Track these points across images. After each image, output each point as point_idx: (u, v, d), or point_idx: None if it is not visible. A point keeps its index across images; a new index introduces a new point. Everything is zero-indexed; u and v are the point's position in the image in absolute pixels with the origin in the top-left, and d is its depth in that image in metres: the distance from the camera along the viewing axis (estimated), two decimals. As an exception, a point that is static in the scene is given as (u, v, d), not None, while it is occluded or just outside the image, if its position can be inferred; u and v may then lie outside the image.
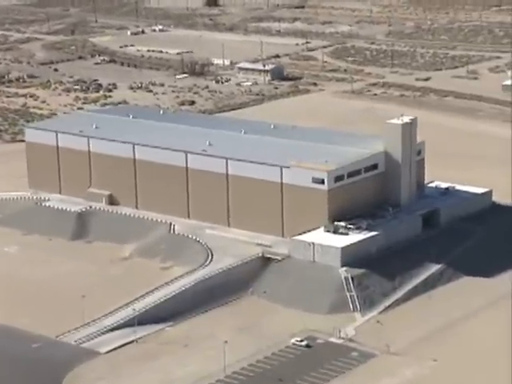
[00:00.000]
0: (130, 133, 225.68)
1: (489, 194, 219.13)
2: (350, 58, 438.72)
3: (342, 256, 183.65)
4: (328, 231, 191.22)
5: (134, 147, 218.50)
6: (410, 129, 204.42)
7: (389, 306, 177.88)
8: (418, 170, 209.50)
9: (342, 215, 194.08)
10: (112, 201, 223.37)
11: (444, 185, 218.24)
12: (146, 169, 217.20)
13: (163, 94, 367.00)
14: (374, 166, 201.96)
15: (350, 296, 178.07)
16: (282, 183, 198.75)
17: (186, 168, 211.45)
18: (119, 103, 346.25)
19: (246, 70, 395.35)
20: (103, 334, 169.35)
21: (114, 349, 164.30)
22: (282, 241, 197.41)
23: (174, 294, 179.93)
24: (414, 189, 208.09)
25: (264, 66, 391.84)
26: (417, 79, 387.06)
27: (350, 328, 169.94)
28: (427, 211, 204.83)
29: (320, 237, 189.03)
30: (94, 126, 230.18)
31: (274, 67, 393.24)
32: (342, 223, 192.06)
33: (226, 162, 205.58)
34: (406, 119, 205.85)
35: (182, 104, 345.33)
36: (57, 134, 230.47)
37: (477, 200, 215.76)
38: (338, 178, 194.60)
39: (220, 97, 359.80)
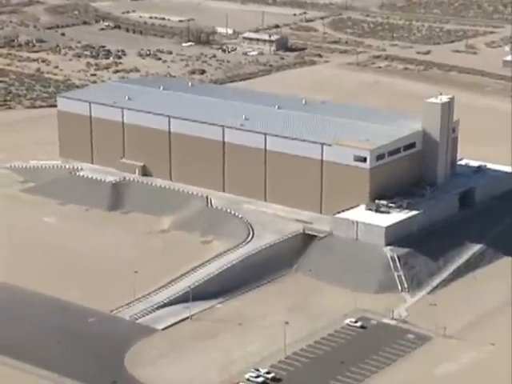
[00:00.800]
0: (164, 105, 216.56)
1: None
2: (349, 30, 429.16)
3: (386, 235, 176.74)
4: (370, 209, 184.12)
5: (169, 120, 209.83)
6: (448, 108, 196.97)
7: (436, 287, 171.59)
8: (453, 149, 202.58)
9: (382, 194, 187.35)
10: (145, 172, 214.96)
11: (475, 163, 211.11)
12: (182, 142, 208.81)
13: (172, 61, 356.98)
14: (412, 145, 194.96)
15: (398, 276, 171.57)
16: (322, 160, 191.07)
17: (223, 142, 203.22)
18: (131, 70, 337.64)
19: (251, 39, 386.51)
20: (156, 309, 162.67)
21: (170, 326, 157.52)
22: (320, 217, 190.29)
23: (221, 270, 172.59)
24: (449, 167, 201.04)
25: (270, 36, 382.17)
26: (418, 52, 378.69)
27: (402, 309, 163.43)
28: (463, 190, 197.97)
29: (363, 215, 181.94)
30: (126, 97, 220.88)
31: (279, 38, 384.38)
32: (384, 201, 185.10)
33: (264, 137, 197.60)
34: (445, 98, 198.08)
35: (193, 73, 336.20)
36: (90, 104, 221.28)
37: (508, 178, 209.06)
38: (380, 157, 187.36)
39: (229, 66, 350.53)
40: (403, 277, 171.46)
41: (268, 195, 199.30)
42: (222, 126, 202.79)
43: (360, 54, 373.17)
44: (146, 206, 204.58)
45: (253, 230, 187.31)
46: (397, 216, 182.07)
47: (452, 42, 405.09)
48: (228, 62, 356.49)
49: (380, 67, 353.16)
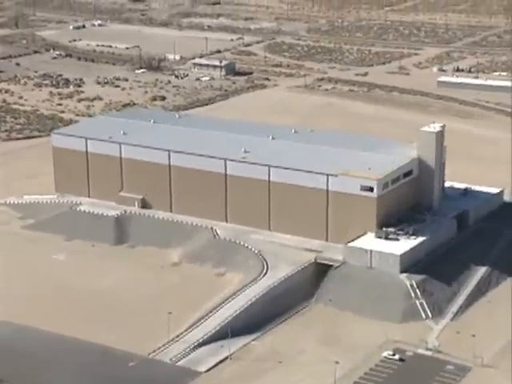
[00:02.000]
0: (161, 139, 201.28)
1: (501, 193, 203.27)
2: (286, 54, 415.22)
3: (400, 262, 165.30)
4: (380, 237, 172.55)
5: (169, 154, 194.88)
6: (441, 136, 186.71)
7: (456, 313, 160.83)
8: (443, 173, 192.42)
9: (387, 221, 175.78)
10: (144, 204, 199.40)
11: (459, 185, 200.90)
12: (182, 175, 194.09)
13: (131, 88, 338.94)
14: (410, 172, 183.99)
15: (420, 303, 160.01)
16: (327, 191, 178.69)
17: (225, 174, 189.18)
18: (94, 99, 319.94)
19: (201, 65, 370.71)
20: (193, 350, 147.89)
21: (212, 367, 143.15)
22: (328, 245, 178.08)
23: (248, 305, 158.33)
24: (441, 191, 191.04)
25: (220, 62, 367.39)
26: (356, 74, 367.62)
27: (432, 338, 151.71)
28: (458, 213, 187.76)
29: (374, 243, 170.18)
30: (121, 132, 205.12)
31: (228, 63, 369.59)
32: (392, 229, 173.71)
33: (268, 169, 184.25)
34: (437, 127, 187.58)
35: (154, 99, 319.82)
36: (87, 140, 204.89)
37: (493, 199, 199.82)
38: (385, 186, 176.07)
39: (186, 92, 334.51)
40: (425, 304, 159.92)
41: (272, 225, 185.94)
42: (224, 158, 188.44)
43: (305, 76, 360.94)
44: (151, 238, 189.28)
45: (266, 261, 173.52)
46: (407, 243, 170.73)
47: (383, 63, 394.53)
48: (184, 87, 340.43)
49: (327, 89, 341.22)
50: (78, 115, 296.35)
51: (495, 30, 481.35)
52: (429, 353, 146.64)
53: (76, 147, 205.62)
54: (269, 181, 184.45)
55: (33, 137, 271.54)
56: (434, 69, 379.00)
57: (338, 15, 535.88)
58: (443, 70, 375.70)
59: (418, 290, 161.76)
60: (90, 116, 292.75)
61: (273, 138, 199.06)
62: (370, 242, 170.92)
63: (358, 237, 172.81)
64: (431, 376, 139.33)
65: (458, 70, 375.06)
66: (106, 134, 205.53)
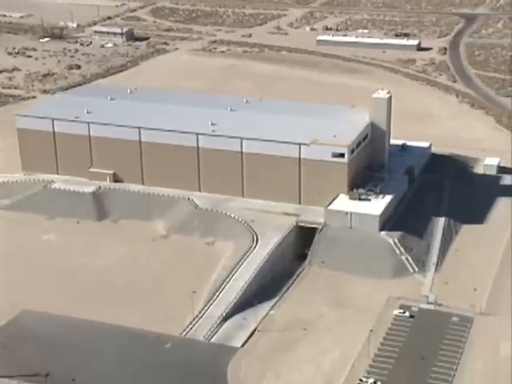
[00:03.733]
0: (125, 115, 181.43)
1: (430, 146, 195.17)
2: (171, 18, 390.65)
3: (379, 222, 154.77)
4: (353, 199, 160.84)
5: (139, 131, 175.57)
6: (390, 101, 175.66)
7: (437, 264, 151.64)
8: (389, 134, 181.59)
9: (354, 183, 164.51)
10: (116, 179, 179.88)
11: (397, 141, 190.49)
12: (153, 149, 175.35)
13: (43, 58, 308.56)
14: (366, 136, 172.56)
15: (406, 259, 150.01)
16: (299, 158, 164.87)
17: (197, 147, 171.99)
18: (13, 70, 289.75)
19: (102, 32, 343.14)
20: (220, 325, 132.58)
21: (245, 342, 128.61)
22: (301, 208, 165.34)
23: (255, 274, 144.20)
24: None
25: (122, 29, 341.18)
26: (242, 36, 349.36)
27: (427, 291, 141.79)
28: (406, 169, 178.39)
29: (351, 205, 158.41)
30: (85, 111, 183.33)
31: (128, 29, 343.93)
32: (362, 190, 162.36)
33: (240, 141, 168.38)
34: (386, 93, 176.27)
35: (71, 68, 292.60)
36: (53, 121, 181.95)
37: (426, 153, 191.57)
38: (352, 151, 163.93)
39: (96, 59, 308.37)
40: (410, 259, 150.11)
41: (246, 192, 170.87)
42: (196, 133, 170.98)
43: (202, 40, 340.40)
44: (131, 212, 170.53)
45: (252, 229, 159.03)
46: (379, 202, 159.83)
47: (260, 24, 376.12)
48: (93, 55, 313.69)
49: (223, 51, 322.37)
50: (4, 88, 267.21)
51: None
52: (431, 307, 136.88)
53: (42, 128, 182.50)
54: (241, 152, 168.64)
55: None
56: (307, 28, 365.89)
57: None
58: (314, 29, 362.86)
59: (400, 246, 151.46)
60: (15, 88, 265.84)
61: (231, 110, 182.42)
62: (346, 204, 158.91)
63: (333, 199, 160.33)
64: (443, 329, 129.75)
65: (327, 28, 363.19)
66: (69, 113, 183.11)
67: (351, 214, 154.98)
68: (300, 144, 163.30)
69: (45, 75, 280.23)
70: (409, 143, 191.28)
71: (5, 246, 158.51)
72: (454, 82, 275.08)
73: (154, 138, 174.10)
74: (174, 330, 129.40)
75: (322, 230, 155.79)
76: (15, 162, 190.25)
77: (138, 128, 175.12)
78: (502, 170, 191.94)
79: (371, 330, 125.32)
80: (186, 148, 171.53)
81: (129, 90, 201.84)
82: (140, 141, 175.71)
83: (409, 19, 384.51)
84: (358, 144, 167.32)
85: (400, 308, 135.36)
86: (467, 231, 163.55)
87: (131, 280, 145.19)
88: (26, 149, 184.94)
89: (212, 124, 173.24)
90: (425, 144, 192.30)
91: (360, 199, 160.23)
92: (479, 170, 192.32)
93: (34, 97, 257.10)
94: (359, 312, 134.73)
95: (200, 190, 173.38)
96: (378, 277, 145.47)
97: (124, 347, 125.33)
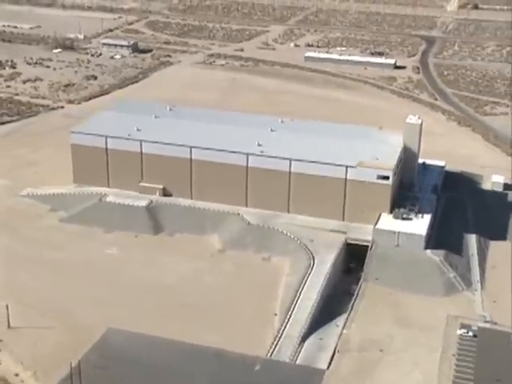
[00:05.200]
0: (174, 134, 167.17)
1: (445, 165, 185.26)
2: (166, 31, 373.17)
3: (425, 241, 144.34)
4: (397, 218, 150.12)
5: (191, 149, 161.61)
6: (421, 126, 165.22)
7: (481, 282, 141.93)
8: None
9: (394, 202, 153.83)
10: (165, 193, 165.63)
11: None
12: (203, 166, 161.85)
13: (60, 68, 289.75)
14: (402, 158, 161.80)
15: (454, 277, 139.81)
16: (345, 179, 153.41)
17: (247, 166, 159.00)
18: (35, 80, 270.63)
19: (109, 45, 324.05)
20: (301, 346, 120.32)
21: (330, 363, 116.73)
22: (344, 225, 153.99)
23: (321, 292, 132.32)
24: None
25: (129, 42, 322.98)
26: (235, 50, 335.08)
27: (481, 310, 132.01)
28: (432, 187, 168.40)
29: (396, 224, 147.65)
30: (135, 129, 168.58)
31: (133, 42, 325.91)
32: (404, 209, 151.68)
33: (289, 162, 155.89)
34: (417, 119, 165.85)
35: (88, 79, 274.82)
36: (106, 138, 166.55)
37: (443, 171, 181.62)
38: (394, 173, 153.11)
39: (110, 70, 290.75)
40: (458, 277, 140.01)
41: (291, 208, 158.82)
42: (246, 153, 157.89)
43: (197, 53, 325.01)
44: (185, 225, 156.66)
45: (305, 245, 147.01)
46: (420, 221, 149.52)
47: (248, 40, 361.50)
48: (106, 66, 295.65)
49: (223, 65, 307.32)
50: (32, 97, 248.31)
51: (308, 10, 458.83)
52: (489, 325, 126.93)
53: (96, 144, 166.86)
54: (289, 172, 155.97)
55: (6, 122, 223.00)
56: (291, 44, 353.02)
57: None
58: (298, 45, 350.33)
59: (446, 264, 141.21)
60: (43, 98, 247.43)
61: (271, 130, 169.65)
62: (391, 223, 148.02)
63: (378, 218, 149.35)
64: (507, 349, 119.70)
65: (309, 45, 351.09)
66: (120, 131, 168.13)
67: (399, 233, 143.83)
68: (347, 166, 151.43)
69: (66, 85, 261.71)
70: (427, 161, 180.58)
71: (70, 259, 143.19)
72: (435, 99, 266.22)
73: (204, 156, 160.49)
74: (257, 351, 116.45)
75: (371, 247, 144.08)
76: (58, 174, 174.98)
77: (190, 147, 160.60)
78: (507, 186, 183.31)
79: (453, 355, 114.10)
80: (236, 166, 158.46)
81: (168, 108, 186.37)
82: (191, 158, 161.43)
83: (377, 39, 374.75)
84: (397, 166, 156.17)
85: (461, 327, 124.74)
86: (495, 248, 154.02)
87: (201, 297, 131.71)
88: (79, 163, 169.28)
89: (258, 145, 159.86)
90: (441, 162, 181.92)
91: (403, 218, 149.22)
92: (487, 186, 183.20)
93: (62, 107, 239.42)
94: (425, 332, 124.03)
95: (247, 206, 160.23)
96: (430, 294, 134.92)
97: (216, 370, 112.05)
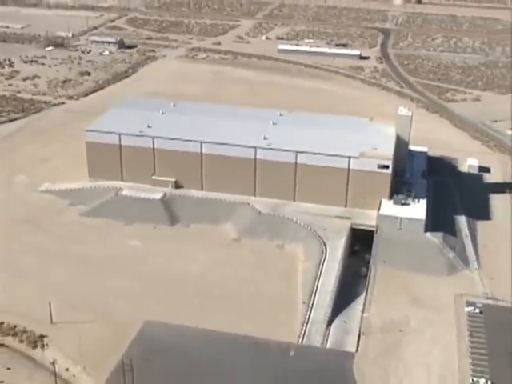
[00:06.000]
0: (183, 129, 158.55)
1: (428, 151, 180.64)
2: (146, 27, 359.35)
3: (424, 224, 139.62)
4: (396, 204, 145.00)
5: (201, 144, 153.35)
6: (411, 117, 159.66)
7: (477, 261, 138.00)
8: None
9: (393, 189, 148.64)
10: (177, 185, 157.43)
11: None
12: (213, 160, 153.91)
13: (55, 66, 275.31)
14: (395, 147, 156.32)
15: (454, 257, 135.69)
16: (348, 169, 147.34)
17: (255, 159, 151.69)
18: (34, 77, 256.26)
19: (97, 42, 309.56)
20: (328, 330, 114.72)
21: (357, 347, 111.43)
22: (348, 211, 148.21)
23: (338, 276, 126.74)
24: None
25: (116, 38, 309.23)
26: (213, 44, 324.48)
27: (482, 287, 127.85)
28: (421, 173, 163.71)
29: (397, 210, 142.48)
30: (146, 125, 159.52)
31: (120, 39, 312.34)
32: (403, 195, 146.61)
33: (295, 154, 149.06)
34: (407, 111, 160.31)
35: (83, 75, 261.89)
36: (120, 136, 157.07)
37: (426, 156, 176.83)
38: (392, 162, 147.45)
39: (101, 66, 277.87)
40: (457, 257, 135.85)
41: (297, 196, 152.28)
42: (254, 147, 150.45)
43: (178, 47, 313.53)
44: (199, 216, 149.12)
45: (315, 231, 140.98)
46: (418, 206, 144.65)
47: (222, 34, 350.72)
48: (96, 62, 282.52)
49: (204, 58, 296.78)
50: (33, 94, 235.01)
51: (272, 4, 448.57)
52: (492, 302, 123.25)
53: (110, 141, 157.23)
54: (295, 163, 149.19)
55: (14, 119, 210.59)
56: (263, 37, 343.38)
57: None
58: (269, 38, 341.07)
59: (445, 246, 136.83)
60: (43, 94, 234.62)
61: (273, 124, 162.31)
62: (393, 208, 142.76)
63: (380, 204, 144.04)
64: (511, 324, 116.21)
65: (279, 38, 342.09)
66: (132, 127, 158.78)
67: (401, 218, 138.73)
68: (350, 157, 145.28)
69: (64, 81, 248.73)
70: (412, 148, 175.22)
71: (97, 253, 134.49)
72: (402, 87, 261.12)
73: (214, 150, 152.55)
74: (288, 337, 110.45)
75: (377, 232, 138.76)
76: (70, 168, 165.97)
77: (200, 142, 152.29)
78: (481, 169, 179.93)
79: (470, 339, 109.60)
80: (244, 159, 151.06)
81: (172, 104, 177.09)
82: (201, 153, 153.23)
83: (338, 31, 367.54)
84: (393, 155, 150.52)
85: (467, 305, 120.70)
86: (482, 227, 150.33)
87: (227, 286, 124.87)
88: (94, 159, 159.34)
89: (264, 138, 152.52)
90: (424, 148, 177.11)
91: (402, 204, 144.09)
92: (464, 169, 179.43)
93: (63, 102, 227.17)
94: (437, 311, 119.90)
95: (255, 195, 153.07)
96: (434, 274, 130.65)
97: (255, 358, 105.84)
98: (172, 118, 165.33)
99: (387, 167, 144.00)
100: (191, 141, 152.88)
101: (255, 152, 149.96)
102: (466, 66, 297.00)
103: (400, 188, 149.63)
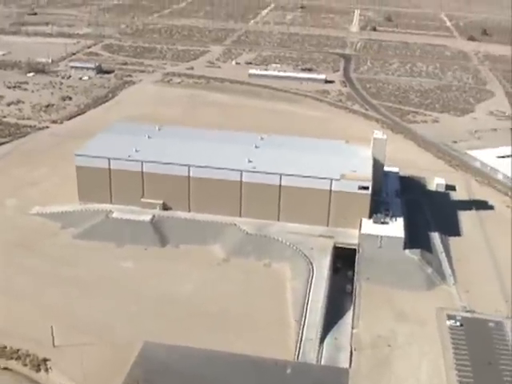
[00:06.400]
0: (170, 153, 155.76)
1: (398, 171, 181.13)
2: (121, 53, 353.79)
3: (404, 242, 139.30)
4: (376, 223, 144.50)
5: (189, 168, 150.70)
6: (385, 141, 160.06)
7: (453, 275, 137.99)
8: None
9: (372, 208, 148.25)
10: (165, 207, 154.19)
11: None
12: (200, 182, 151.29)
13: (38, 90, 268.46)
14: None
15: (432, 272, 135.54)
16: (330, 190, 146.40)
17: (240, 181, 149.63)
18: (18, 102, 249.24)
19: (77, 67, 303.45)
20: (320, 347, 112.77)
21: (350, 363, 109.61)
22: (329, 230, 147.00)
23: (326, 295, 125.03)
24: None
25: (94, 64, 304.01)
26: (187, 68, 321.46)
27: (459, 301, 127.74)
28: (395, 192, 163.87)
29: (376, 228, 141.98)
30: (134, 150, 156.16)
31: (98, 64, 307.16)
32: (381, 215, 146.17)
33: (280, 176, 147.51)
34: (382, 134, 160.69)
35: (64, 99, 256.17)
36: (109, 160, 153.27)
37: (397, 176, 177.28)
38: (371, 183, 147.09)
39: (81, 90, 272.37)
40: (435, 273, 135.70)
41: (281, 217, 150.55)
42: (240, 170, 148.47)
43: (154, 72, 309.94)
44: (188, 237, 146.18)
45: (300, 251, 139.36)
46: (395, 225, 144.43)
47: (194, 59, 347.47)
48: (77, 87, 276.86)
49: (179, 82, 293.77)
50: (18, 119, 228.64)
51: (239, 31, 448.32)
52: (471, 315, 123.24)
53: (99, 165, 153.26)
54: (280, 185, 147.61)
55: (1, 143, 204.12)
56: (233, 62, 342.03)
57: (126, 21, 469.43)
58: (238, 63, 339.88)
59: (423, 262, 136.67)
60: (28, 119, 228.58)
61: (256, 147, 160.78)
62: (372, 227, 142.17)
63: (360, 224, 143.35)
64: (488, 335, 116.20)
65: (248, 63, 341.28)
66: (120, 152, 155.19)
67: (381, 237, 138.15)
68: (332, 179, 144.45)
69: (47, 106, 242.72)
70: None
71: (92, 275, 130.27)
72: (366, 110, 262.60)
73: (201, 173, 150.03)
74: (285, 355, 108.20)
75: (359, 250, 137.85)
76: (59, 192, 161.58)
77: (188, 165, 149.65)
78: (448, 187, 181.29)
79: (453, 347, 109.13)
80: (230, 182, 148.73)
81: (157, 128, 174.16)
82: (189, 176, 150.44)
83: (303, 56, 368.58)
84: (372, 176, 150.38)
85: (448, 318, 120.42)
86: (454, 243, 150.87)
87: (219, 305, 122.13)
88: (83, 182, 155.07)
89: (249, 161, 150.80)
90: (395, 169, 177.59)
91: (382, 223, 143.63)
92: (432, 187, 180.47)
93: (47, 126, 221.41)
94: (421, 325, 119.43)
95: (240, 216, 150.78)
96: (415, 290, 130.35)
97: (254, 377, 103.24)
98: (158, 142, 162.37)
99: (367, 188, 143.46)
100: (179, 164, 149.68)
101: (241, 175, 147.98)
102: (422, 90, 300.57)
103: (378, 207, 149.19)
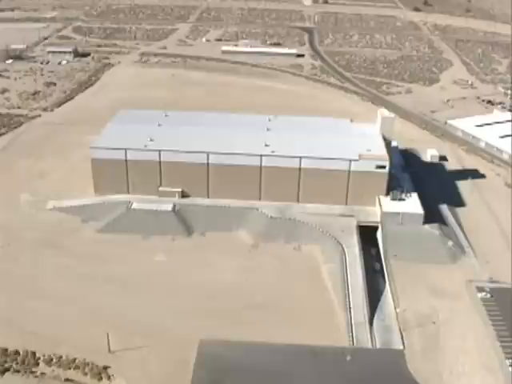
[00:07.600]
0: (186, 140, 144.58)
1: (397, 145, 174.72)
2: (93, 35, 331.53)
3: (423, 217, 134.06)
4: (394, 200, 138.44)
5: (208, 155, 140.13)
6: (394, 118, 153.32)
7: (471, 247, 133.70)
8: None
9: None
10: (184, 195, 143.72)
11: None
12: (219, 169, 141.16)
13: (20, 78, 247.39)
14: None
15: (453, 245, 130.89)
16: (349, 171, 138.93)
17: (261, 166, 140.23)
18: (4, 91, 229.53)
19: (54, 52, 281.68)
20: (371, 330, 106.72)
21: (403, 343, 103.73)
22: (349, 208, 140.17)
23: (362, 275, 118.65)
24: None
25: (71, 47, 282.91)
26: (160, 48, 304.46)
27: (481, 271, 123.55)
28: (401, 167, 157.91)
29: (396, 205, 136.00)
30: (148, 139, 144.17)
31: (74, 48, 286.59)
32: (397, 192, 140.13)
33: (299, 159, 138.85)
34: (389, 112, 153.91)
35: (49, 86, 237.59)
36: (126, 151, 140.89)
37: (398, 150, 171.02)
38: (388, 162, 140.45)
39: (63, 75, 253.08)
40: (456, 246, 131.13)
41: (300, 198, 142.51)
42: (260, 155, 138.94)
43: (129, 53, 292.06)
44: (212, 224, 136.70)
45: (326, 231, 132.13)
46: (412, 201, 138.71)
47: (166, 38, 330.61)
48: (58, 72, 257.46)
49: (156, 62, 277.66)
50: (9, 108, 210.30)
51: (199, 8, 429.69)
52: (497, 285, 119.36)
53: (116, 157, 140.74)
54: (300, 168, 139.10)
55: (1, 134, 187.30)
56: (203, 40, 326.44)
57: (88, 2, 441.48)
58: (208, 40, 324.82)
59: (444, 236, 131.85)
60: (18, 108, 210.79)
61: (268, 130, 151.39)
62: (391, 205, 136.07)
63: (379, 201, 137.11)
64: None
65: (218, 39, 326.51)
66: (135, 142, 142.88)
67: (402, 213, 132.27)
68: (350, 160, 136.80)
69: (33, 93, 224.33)
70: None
71: (125, 271, 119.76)
72: (343, 83, 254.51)
73: (220, 160, 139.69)
74: (340, 341, 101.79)
75: (382, 228, 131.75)
76: (70, 183, 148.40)
77: (207, 153, 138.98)
78: (441, 158, 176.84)
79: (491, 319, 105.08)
80: (251, 167, 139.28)
81: (164, 114, 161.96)
82: (208, 163, 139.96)
83: (267, 31, 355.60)
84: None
85: (478, 291, 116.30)
86: (461, 214, 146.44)
87: (262, 295, 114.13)
88: (99, 174, 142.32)
89: (266, 145, 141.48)
90: (394, 142, 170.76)
91: (399, 200, 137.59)
92: (427, 159, 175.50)
93: (39, 115, 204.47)
94: (456, 299, 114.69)
95: (260, 199, 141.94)
96: (441, 263, 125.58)
97: (317, 366, 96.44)
98: (170, 129, 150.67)
99: (384, 167, 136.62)
100: (198, 152, 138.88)
101: (261, 159, 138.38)
102: (387, 61, 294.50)
103: (390, 183, 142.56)
